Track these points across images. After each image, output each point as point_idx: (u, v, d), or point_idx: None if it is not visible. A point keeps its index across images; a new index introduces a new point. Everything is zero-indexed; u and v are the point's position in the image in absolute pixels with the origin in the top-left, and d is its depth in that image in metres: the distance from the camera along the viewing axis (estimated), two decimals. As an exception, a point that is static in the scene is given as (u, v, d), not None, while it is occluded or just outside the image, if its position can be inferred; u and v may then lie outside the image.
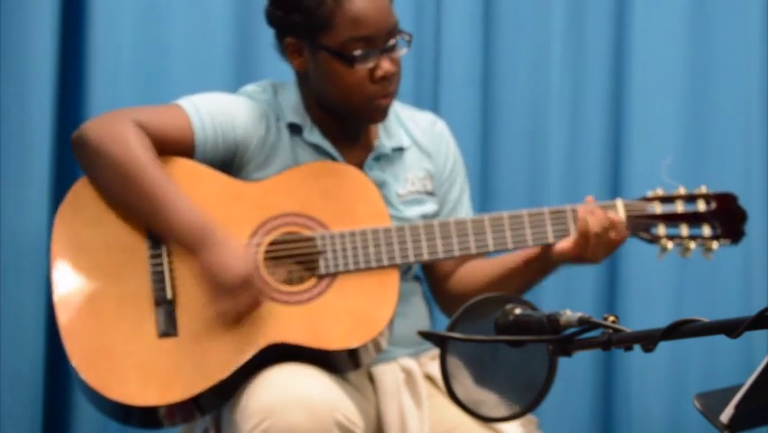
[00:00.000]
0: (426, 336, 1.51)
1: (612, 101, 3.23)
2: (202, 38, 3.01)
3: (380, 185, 2.39)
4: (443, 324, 1.50)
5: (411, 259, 2.33)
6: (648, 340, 1.35)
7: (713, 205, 2.42)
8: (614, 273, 3.20)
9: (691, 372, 3.21)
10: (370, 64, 2.30)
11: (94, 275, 2.27)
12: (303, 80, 2.40)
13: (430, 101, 3.09)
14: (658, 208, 2.42)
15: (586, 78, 3.23)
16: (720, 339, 1.32)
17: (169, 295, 2.26)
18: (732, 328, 1.28)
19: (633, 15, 3.21)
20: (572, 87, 3.21)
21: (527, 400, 1.46)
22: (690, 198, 2.43)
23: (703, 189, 2.44)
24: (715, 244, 2.42)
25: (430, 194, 2.47)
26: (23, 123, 2.84)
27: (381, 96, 2.33)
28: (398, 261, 2.32)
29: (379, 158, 2.43)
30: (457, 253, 2.36)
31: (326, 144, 2.39)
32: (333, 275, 2.31)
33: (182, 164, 2.33)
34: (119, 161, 2.25)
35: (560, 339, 1.43)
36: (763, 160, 3.21)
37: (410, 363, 2.38)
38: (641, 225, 2.40)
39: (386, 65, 2.31)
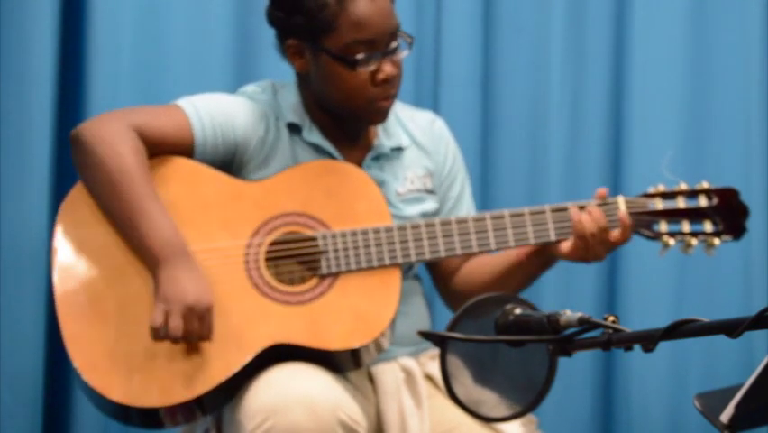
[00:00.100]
0: (426, 335, 1.51)
1: (612, 101, 3.23)
2: (202, 38, 3.01)
3: (379, 184, 2.39)
4: (443, 323, 1.50)
5: (413, 258, 2.33)
6: (648, 340, 1.35)
7: (715, 200, 2.42)
8: (614, 273, 3.20)
9: (691, 372, 3.21)
10: (372, 67, 2.30)
11: (95, 276, 2.27)
12: (303, 81, 2.40)
13: (430, 101, 3.09)
14: (659, 205, 2.41)
15: (586, 78, 3.23)
16: (720, 339, 1.32)
17: (169, 295, 2.26)
18: (732, 328, 1.28)
19: (633, 15, 3.21)
20: (572, 87, 3.21)
21: (527, 400, 1.46)
22: (692, 194, 2.42)
23: (705, 185, 2.43)
24: (717, 241, 2.41)
25: (430, 192, 2.47)
26: (23, 123, 2.84)
27: (382, 98, 2.33)
28: (400, 260, 2.32)
29: (378, 157, 2.43)
30: (459, 252, 2.36)
31: (326, 144, 2.39)
32: (335, 275, 2.31)
33: (182, 164, 2.33)
34: (105, 165, 2.25)
35: (560, 339, 1.43)
36: (763, 160, 3.21)
37: (410, 362, 2.38)
38: (642, 221, 2.40)
39: (387, 68, 2.31)
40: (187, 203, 2.29)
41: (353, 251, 2.31)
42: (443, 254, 2.36)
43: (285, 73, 2.43)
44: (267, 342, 2.23)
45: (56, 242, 2.29)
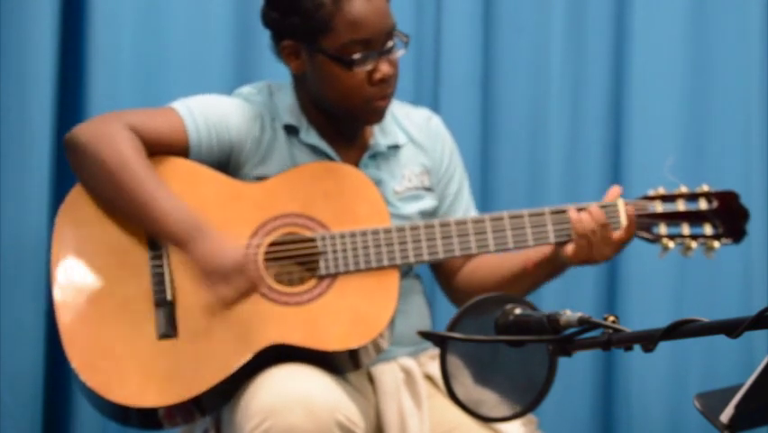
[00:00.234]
0: (426, 335, 1.51)
1: (612, 101, 3.23)
2: (202, 38, 3.01)
3: (377, 183, 2.39)
4: (443, 323, 1.50)
5: (411, 260, 2.33)
6: (648, 340, 1.35)
7: (715, 203, 2.42)
8: (614, 273, 3.20)
9: (691, 372, 3.21)
10: (369, 67, 2.30)
11: (94, 276, 2.27)
12: (300, 82, 2.39)
13: (430, 101, 3.09)
14: (659, 207, 2.41)
15: (586, 78, 3.23)
16: (720, 339, 1.32)
17: (169, 296, 2.26)
18: (732, 328, 1.28)
19: (633, 15, 3.21)
20: (572, 87, 3.21)
21: (527, 400, 1.46)
22: (692, 197, 2.42)
23: (705, 188, 2.43)
24: (716, 244, 2.41)
25: (428, 189, 2.47)
26: (23, 123, 2.84)
27: (379, 97, 2.33)
28: (399, 261, 2.32)
29: (374, 156, 2.43)
30: (458, 254, 2.36)
31: (323, 145, 2.39)
32: (334, 276, 2.31)
33: (181, 164, 2.33)
34: (107, 161, 2.25)
35: (560, 339, 1.43)
36: (763, 160, 3.21)
37: (410, 362, 2.38)
38: (642, 224, 2.40)
39: (384, 67, 2.31)
40: (186, 204, 2.29)
41: (352, 252, 2.31)
42: (441, 256, 2.36)
43: (284, 73, 2.43)
44: (265, 342, 2.23)
45: (55, 242, 2.29)
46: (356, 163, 2.41)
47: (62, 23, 2.89)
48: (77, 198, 2.32)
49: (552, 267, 2.40)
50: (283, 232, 2.32)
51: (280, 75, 2.45)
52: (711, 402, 1.33)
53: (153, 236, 2.27)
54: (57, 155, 2.84)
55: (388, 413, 2.32)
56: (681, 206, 2.42)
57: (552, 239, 2.37)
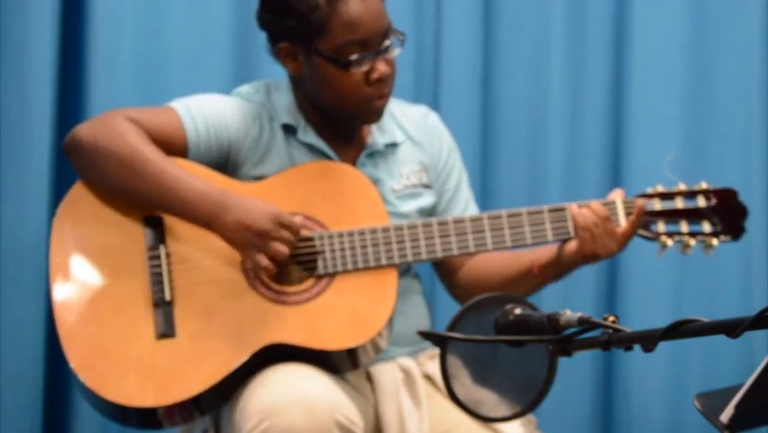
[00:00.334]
0: (426, 335, 1.51)
1: (612, 101, 3.23)
2: (202, 38, 3.01)
3: (375, 182, 2.39)
4: (443, 322, 1.50)
5: (410, 259, 2.33)
6: (648, 340, 1.35)
7: (713, 201, 2.42)
8: (614, 273, 3.20)
9: (691, 372, 3.21)
10: (366, 67, 2.30)
11: (92, 276, 2.27)
12: (297, 83, 2.39)
13: (430, 101, 3.09)
14: (657, 205, 2.41)
15: (586, 78, 3.23)
16: (720, 339, 1.32)
17: (167, 296, 2.26)
18: (732, 328, 1.28)
19: (633, 15, 3.21)
20: (572, 87, 3.21)
21: (527, 400, 1.46)
22: (690, 194, 2.42)
23: (703, 185, 2.42)
24: (715, 241, 2.40)
25: (426, 186, 2.47)
26: (23, 123, 2.84)
27: (377, 97, 2.33)
28: (397, 261, 2.32)
29: (372, 155, 2.43)
30: (456, 253, 2.36)
31: (321, 144, 2.39)
32: (332, 275, 2.31)
33: (181, 164, 2.33)
34: (119, 152, 2.25)
35: (560, 339, 1.43)
36: (763, 159, 3.21)
37: (409, 362, 2.38)
38: (641, 221, 2.39)
39: (381, 67, 2.31)
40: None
41: (350, 251, 2.31)
42: (439, 255, 2.36)
43: (284, 73, 2.43)
44: (264, 342, 2.23)
45: (54, 241, 2.29)
46: (354, 162, 2.41)
47: (62, 23, 2.89)
48: (76, 197, 2.32)
49: (557, 269, 2.40)
50: (282, 231, 2.32)
51: (280, 75, 2.45)
52: (711, 402, 1.33)
53: (179, 215, 2.26)
54: (57, 155, 2.84)
55: (387, 413, 2.32)
56: (679, 203, 2.42)
57: (550, 237, 2.37)
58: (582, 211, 2.35)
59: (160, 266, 2.28)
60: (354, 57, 2.28)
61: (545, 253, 2.40)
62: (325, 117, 2.40)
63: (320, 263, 2.30)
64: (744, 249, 2.68)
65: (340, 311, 2.28)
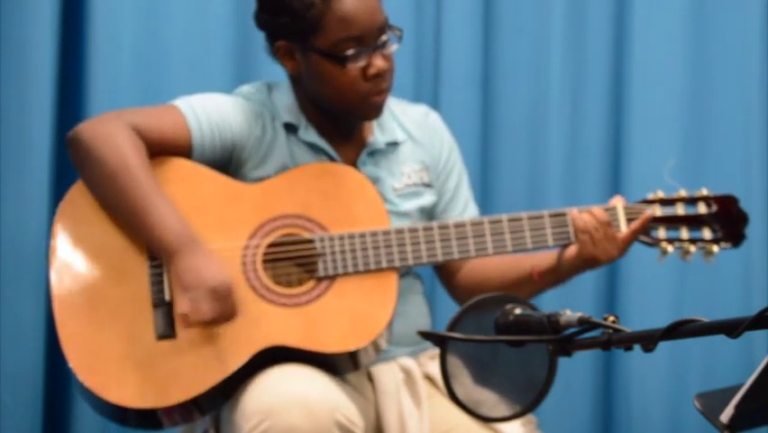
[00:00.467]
0: (426, 335, 1.51)
1: (612, 101, 3.23)
2: (202, 38, 3.01)
3: (375, 181, 2.39)
4: (443, 323, 1.50)
5: (410, 262, 2.33)
6: (648, 340, 1.35)
7: (714, 207, 2.42)
8: (614, 273, 3.20)
9: (691, 372, 3.21)
10: (363, 63, 2.30)
11: (92, 276, 2.27)
12: (296, 82, 2.40)
13: (430, 101, 3.09)
14: (658, 211, 2.41)
15: (586, 78, 3.23)
16: (720, 339, 1.32)
17: (167, 297, 2.26)
18: (732, 328, 1.28)
19: (633, 15, 3.21)
20: (572, 87, 3.21)
21: (527, 400, 1.46)
22: (691, 201, 2.42)
23: (704, 192, 2.42)
24: (715, 248, 2.41)
25: (427, 186, 2.47)
26: (23, 123, 2.84)
27: (375, 93, 2.33)
28: (397, 264, 2.32)
29: (373, 153, 2.43)
30: (456, 257, 2.36)
31: (322, 143, 2.39)
32: (332, 277, 2.30)
33: (180, 165, 2.33)
34: (108, 163, 2.25)
35: (560, 339, 1.43)
36: (763, 160, 3.21)
37: (409, 362, 2.38)
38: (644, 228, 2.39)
39: (378, 62, 2.31)
40: (184, 204, 2.29)
41: (351, 254, 2.30)
42: (440, 259, 2.36)
43: (284, 74, 2.43)
44: (264, 344, 2.23)
45: (54, 240, 2.29)
46: (355, 161, 2.41)
47: (62, 23, 2.89)
48: (77, 196, 2.32)
49: (557, 275, 2.40)
50: (282, 233, 2.32)
51: (280, 75, 2.45)
52: (711, 402, 1.33)
53: (146, 243, 2.26)
54: (57, 155, 2.85)
55: (387, 413, 2.32)
56: (680, 209, 2.42)
57: (550, 242, 2.37)
58: (583, 215, 2.35)
59: (160, 266, 2.27)
60: (350, 52, 2.29)
61: (545, 259, 2.40)
62: (326, 116, 2.40)
63: (320, 265, 2.30)
64: (744, 250, 2.67)
65: (340, 314, 2.28)
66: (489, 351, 1.49)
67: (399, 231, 2.33)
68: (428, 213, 2.47)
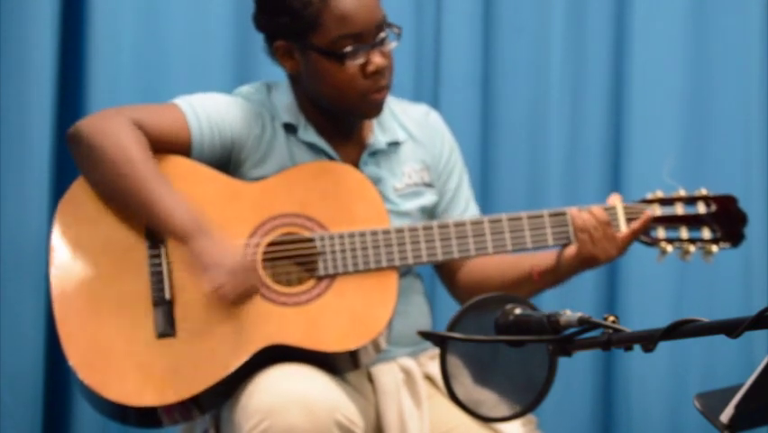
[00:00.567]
0: (426, 335, 1.51)
1: (612, 101, 3.23)
2: (202, 38, 3.01)
3: (376, 181, 2.39)
4: (443, 322, 1.50)
5: (410, 261, 2.33)
6: (648, 340, 1.35)
7: (713, 207, 2.42)
8: (614, 273, 3.20)
9: (691, 372, 3.21)
10: (361, 60, 2.30)
11: (92, 275, 2.27)
12: (296, 82, 2.40)
13: (430, 101, 3.09)
14: (657, 211, 2.41)
15: (586, 78, 3.23)
16: (720, 339, 1.32)
17: (167, 295, 2.26)
18: (732, 328, 1.28)
19: (633, 15, 3.21)
20: (572, 87, 3.21)
21: (527, 400, 1.46)
22: (690, 201, 2.42)
23: (703, 192, 2.43)
24: (714, 248, 2.41)
25: (428, 185, 2.47)
26: (23, 123, 2.84)
27: (375, 90, 2.33)
28: (398, 263, 2.32)
29: (374, 153, 2.43)
30: (456, 256, 2.36)
31: (321, 143, 2.39)
32: (332, 276, 2.30)
33: (180, 163, 2.33)
34: (111, 156, 2.25)
35: (560, 339, 1.43)
36: (764, 159, 3.21)
37: (409, 362, 2.38)
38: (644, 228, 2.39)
39: (377, 59, 2.31)
40: (185, 203, 2.29)
41: (351, 253, 2.31)
42: (440, 258, 2.36)
43: (284, 74, 2.43)
44: (264, 343, 2.23)
45: (54, 239, 2.29)
46: (356, 161, 2.41)
47: (62, 22, 2.89)
48: (77, 194, 2.32)
49: (557, 275, 2.40)
50: (282, 232, 2.32)
51: (280, 75, 2.45)
52: (711, 402, 1.33)
53: (155, 231, 2.27)
54: (57, 155, 2.85)
55: (387, 413, 2.32)
56: (679, 209, 2.42)
57: (550, 242, 2.37)
58: (582, 214, 2.36)
59: (160, 265, 2.28)
60: (349, 50, 2.29)
61: (545, 258, 2.40)
62: (326, 116, 2.40)
63: (320, 264, 2.30)
64: (743, 249, 2.67)
65: (340, 313, 2.28)
66: (489, 351, 1.49)
67: (399, 230, 2.33)
68: (429, 213, 2.47)
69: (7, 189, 2.83)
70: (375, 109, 2.37)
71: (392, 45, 2.34)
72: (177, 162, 2.33)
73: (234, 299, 2.22)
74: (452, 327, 1.47)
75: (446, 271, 2.53)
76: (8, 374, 2.80)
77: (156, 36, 2.98)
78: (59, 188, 2.75)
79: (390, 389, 2.35)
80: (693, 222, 2.41)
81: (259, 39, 2.39)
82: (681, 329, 1.33)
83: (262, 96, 2.40)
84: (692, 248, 2.41)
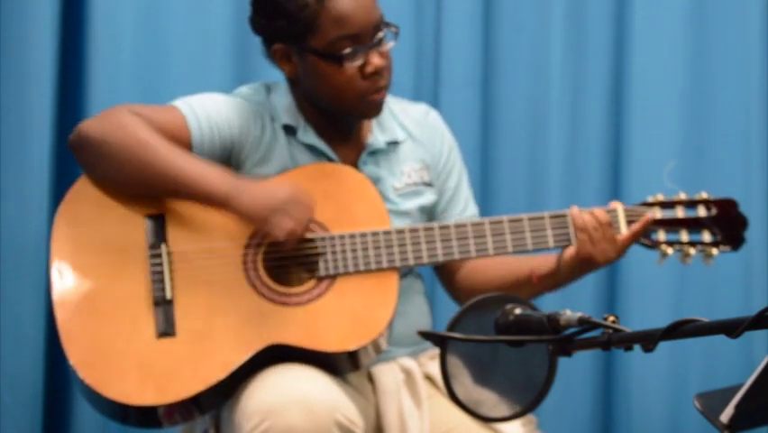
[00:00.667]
0: (426, 335, 1.51)
1: (612, 101, 3.23)
2: (202, 38, 3.01)
3: (375, 181, 2.39)
4: (443, 323, 1.50)
5: (411, 262, 2.33)
6: (648, 340, 1.35)
7: (713, 210, 2.42)
8: (614, 273, 3.20)
9: (691, 372, 3.21)
10: (359, 61, 2.30)
11: (93, 274, 2.27)
12: (294, 84, 2.40)
13: (430, 101, 3.08)
14: (658, 214, 2.41)
15: (586, 78, 3.23)
16: (720, 339, 1.32)
17: (168, 295, 2.26)
18: (732, 328, 1.28)
19: (633, 15, 3.21)
20: (572, 87, 3.21)
21: (527, 400, 1.46)
22: (691, 204, 2.42)
23: (704, 195, 2.43)
24: (715, 251, 2.41)
25: (427, 185, 2.47)
26: (23, 123, 2.84)
27: (374, 91, 2.33)
28: (398, 264, 2.32)
29: (374, 153, 2.43)
30: (457, 257, 2.36)
31: (321, 144, 2.39)
32: (333, 277, 2.31)
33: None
34: (127, 144, 2.25)
35: (560, 339, 1.43)
36: (763, 160, 3.21)
37: (410, 362, 2.39)
38: (644, 231, 2.39)
39: (375, 60, 2.31)
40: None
41: (352, 253, 2.31)
42: (441, 259, 2.36)
43: (283, 75, 2.43)
44: (264, 342, 2.23)
45: (54, 238, 2.29)
46: (355, 161, 2.41)
47: (62, 23, 2.89)
48: (78, 195, 2.32)
49: (556, 278, 2.39)
50: (283, 232, 2.31)
51: (280, 75, 2.45)
52: (711, 402, 1.33)
53: (195, 200, 2.26)
54: (57, 155, 2.85)
55: (387, 413, 2.32)
56: (679, 212, 2.42)
57: (551, 244, 2.37)
58: (583, 214, 2.36)
59: (161, 264, 2.28)
60: (347, 51, 2.29)
61: (545, 262, 2.40)
62: (325, 117, 2.40)
63: (321, 265, 2.30)
64: (744, 250, 2.67)
65: (341, 313, 2.28)
66: (489, 351, 1.49)
67: (400, 231, 2.33)
68: (428, 212, 2.47)
69: (7, 189, 2.83)
70: (375, 109, 2.37)
71: (390, 45, 2.34)
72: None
73: (302, 234, 2.24)
74: (452, 327, 1.47)
75: (446, 274, 2.53)
76: (8, 374, 2.80)
77: (156, 36, 2.98)
78: (59, 189, 2.75)
79: (390, 389, 2.35)
80: (694, 225, 2.41)
81: (258, 39, 2.39)
82: (681, 329, 1.33)
83: (262, 97, 2.40)
84: (693, 251, 2.41)
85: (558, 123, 3.20)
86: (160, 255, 2.28)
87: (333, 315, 2.27)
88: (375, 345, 2.28)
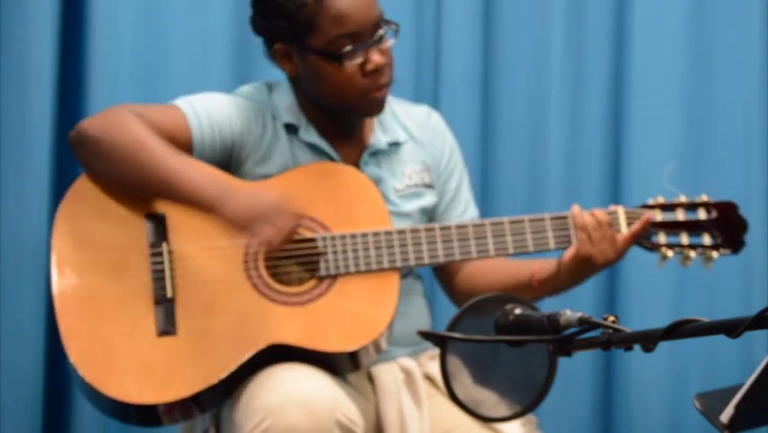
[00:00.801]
0: (426, 335, 1.51)
1: (612, 101, 3.23)
2: (202, 38, 3.01)
3: (377, 181, 2.39)
4: (443, 323, 1.50)
5: (412, 262, 2.34)
6: (648, 340, 1.35)
7: (714, 213, 2.42)
8: (614, 274, 3.20)
9: (691, 372, 3.21)
10: (360, 59, 2.30)
11: (93, 273, 2.27)
12: (296, 83, 2.40)
13: (430, 101, 3.09)
14: (658, 216, 2.42)
15: (586, 78, 3.23)
16: (720, 339, 1.32)
17: (169, 293, 2.26)
18: (732, 328, 1.28)
19: (633, 15, 3.21)
20: (572, 87, 3.21)
21: (527, 400, 1.46)
22: (691, 207, 2.42)
23: (704, 198, 2.43)
24: (715, 254, 2.41)
25: (428, 186, 2.47)
26: (23, 123, 2.84)
27: (375, 89, 2.33)
28: (399, 264, 2.32)
29: (375, 154, 2.43)
30: (458, 258, 2.36)
31: (323, 143, 2.39)
32: (334, 277, 2.31)
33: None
34: (123, 143, 2.25)
35: (560, 339, 1.43)
36: (763, 160, 3.21)
37: (410, 362, 2.39)
38: (644, 232, 2.40)
39: (375, 57, 2.31)
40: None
41: (353, 253, 2.31)
42: (441, 260, 2.36)
43: (284, 75, 2.43)
44: (264, 342, 2.23)
45: (55, 237, 2.29)
46: (356, 161, 2.41)
47: (62, 23, 2.89)
48: (78, 193, 2.32)
49: (557, 282, 2.39)
50: (283, 231, 2.32)
51: (281, 74, 2.45)
52: (711, 402, 1.33)
53: (185, 202, 2.26)
54: (57, 155, 2.85)
55: (387, 413, 2.33)
56: (680, 215, 2.42)
57: (552, 245, 2.37)
58: (583, 214, 2.36)
59: (162, 263, 2.28)
60: (347, 49, 2.29)
61: (545, 266, 2.40)
62: (327, 116, 2.40)
63: (322, 265, 2.30)
64: (744, 251, 2.67)
65: (341, 313, 2.28)
66: (489, 351, 1.49)
67: (401, 231, 2.33)
68: (429, 213, 2.47)
69: (7, 189, 2.83)
70: (376, 107, 2.37)
71: (390, 42, 2.34)
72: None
73: (283, 243, 2.23)
74: (452, 327, 1.47)
75: (445, 277, 2.53)
76: (8, 374, 2.80)
77: (156, 36, 2.98)
78: (59, 188, 2.75)
79: (390, 389, 2.35)
80: (694, 228, 2.42)
81: (258, 39, 2.39)
82: (681, 329, 1.33)
83: (263, 96, 2.41)
84: (693, 254, 2.41)
85: (558, 123, 3.20)
86: (161, 254, 2.28)
87: (334, 315, 2.28)
88: (375, 345, 2.28)
